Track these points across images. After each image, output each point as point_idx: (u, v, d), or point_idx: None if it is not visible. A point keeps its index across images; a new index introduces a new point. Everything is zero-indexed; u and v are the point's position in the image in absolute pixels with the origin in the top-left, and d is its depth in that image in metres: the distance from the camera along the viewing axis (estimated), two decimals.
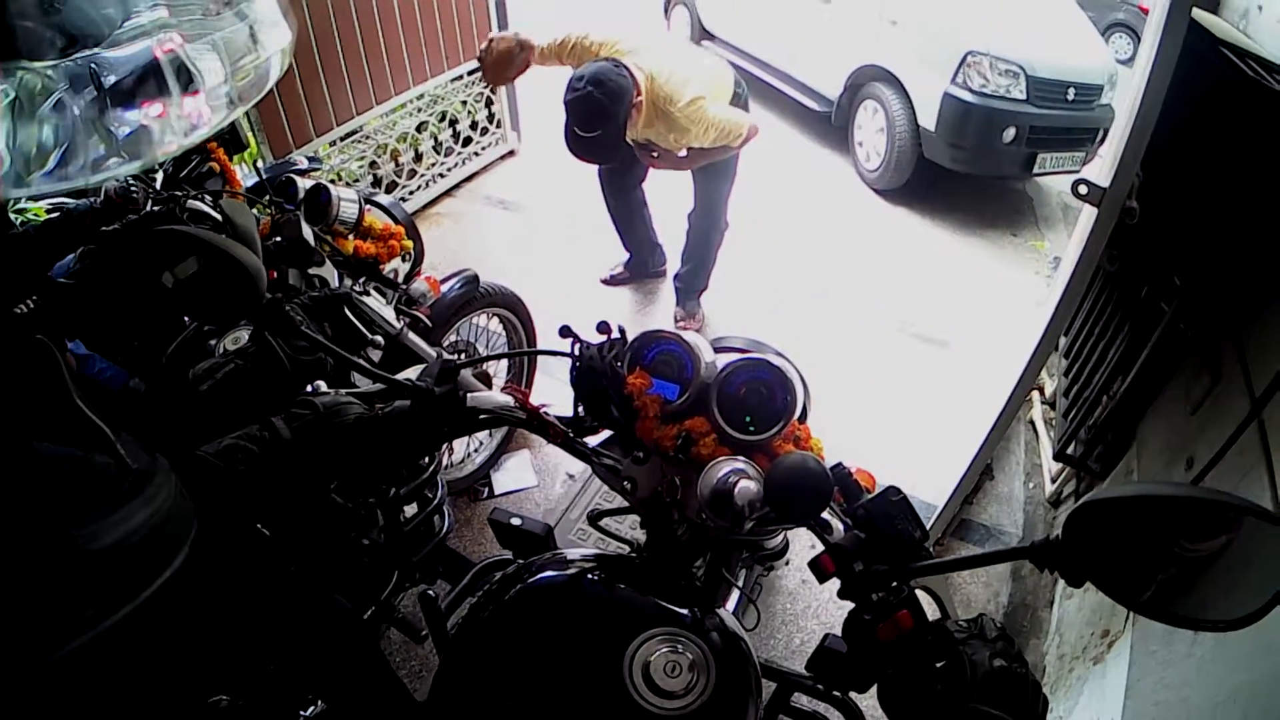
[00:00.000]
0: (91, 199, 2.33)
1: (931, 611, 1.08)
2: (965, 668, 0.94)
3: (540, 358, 3.47)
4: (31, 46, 0.80)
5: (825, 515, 1.18)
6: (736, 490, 1.20)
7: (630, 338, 1.46)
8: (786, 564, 2.96)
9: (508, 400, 1.39)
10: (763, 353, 1.50)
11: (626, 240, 4.77)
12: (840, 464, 1.18)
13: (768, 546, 1.73)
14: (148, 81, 0.92)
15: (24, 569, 0.78)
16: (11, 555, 0.77)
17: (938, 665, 0.99)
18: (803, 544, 3.09)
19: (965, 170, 5.91)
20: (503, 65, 3.72)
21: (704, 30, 8.32)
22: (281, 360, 1.59)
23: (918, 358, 4.47)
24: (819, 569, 1.13)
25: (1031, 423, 3.88)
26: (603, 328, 1.44)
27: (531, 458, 3.56)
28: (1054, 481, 3.41)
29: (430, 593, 1.42)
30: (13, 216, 2.30)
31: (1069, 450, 3.19)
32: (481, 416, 1.38)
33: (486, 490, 3.44)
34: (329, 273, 2.32)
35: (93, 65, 0.85)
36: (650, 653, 1.15)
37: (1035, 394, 3.98)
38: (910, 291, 5.01)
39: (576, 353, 1.41)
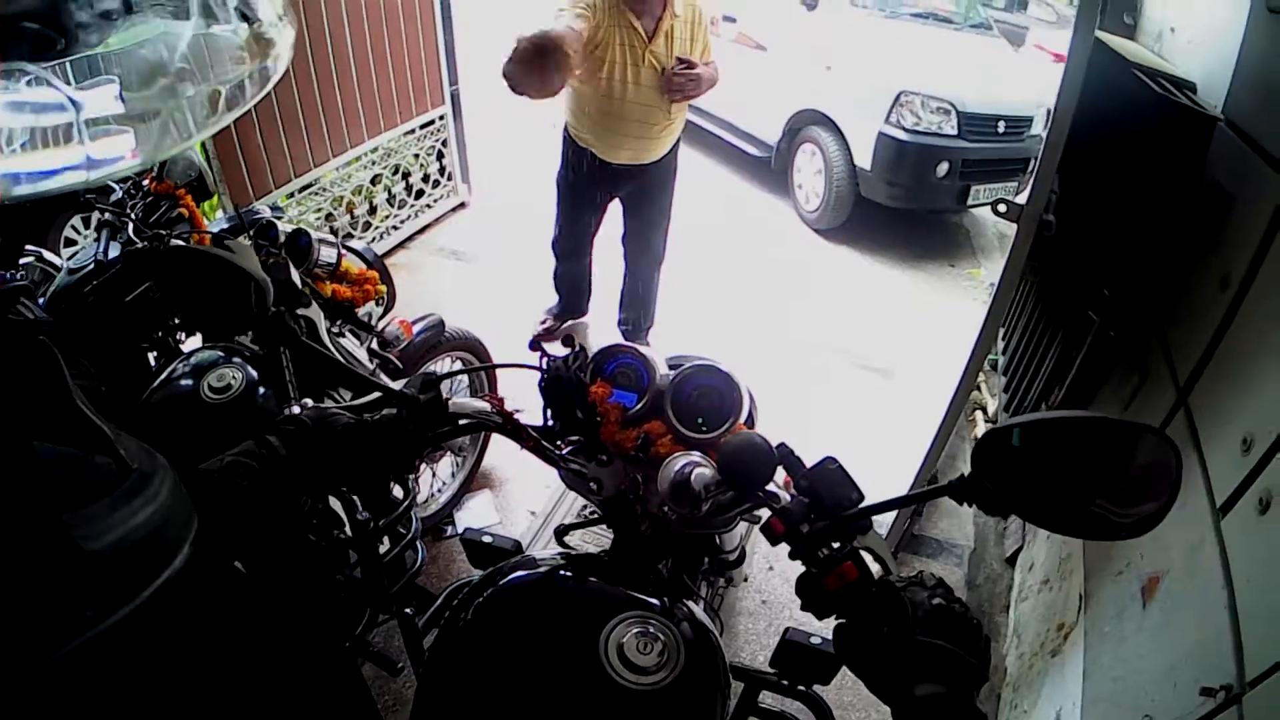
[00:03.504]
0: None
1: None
2: (907, 608, 1.03)
3: (503, 379, 3.44)
4: (31, 47, 0.82)
5: (774, 490, 1.28)
6: (693, 476, 1.34)
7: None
8: (745, 580, 3.06)
9: (485, 406, 1.47)
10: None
11: (561, 287, 4.74)
12: (783, 443, 1.30)
13: (726, 549, 1.86)
14: (149, 80, 0.93)
15: (23, 568, 0.76)
16: (10, 555, 0.76)
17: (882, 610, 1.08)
18: (759, 566, 3.22)
19: (902, 206, 6.10)
20: (539, 71, 2.96)
21: None
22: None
23: (862, 386, 4.61)
24: (769, 531, 1.21)
25: (976, 439, 4.02)
26: (567, 342, 1.56)
27: (493, 497, 3.62)
28: None
29: (407, 611, 1.51)
30: None
31: None
32: (462, 421, 1.46)
33: (450, 529, 3.48)
34: (315, 313, 2.38)
35: (93, 65, 0.87)
36: (623, 634, 1.24)
37: (979, 414, 4.14)
38: (853, 324, 5.16)
39: (544, 365, 1.52)
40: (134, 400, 1.99)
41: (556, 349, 1.55)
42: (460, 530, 3.43)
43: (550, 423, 1.55)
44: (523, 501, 3.60)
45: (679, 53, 3.51)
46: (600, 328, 4.83)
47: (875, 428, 4.16)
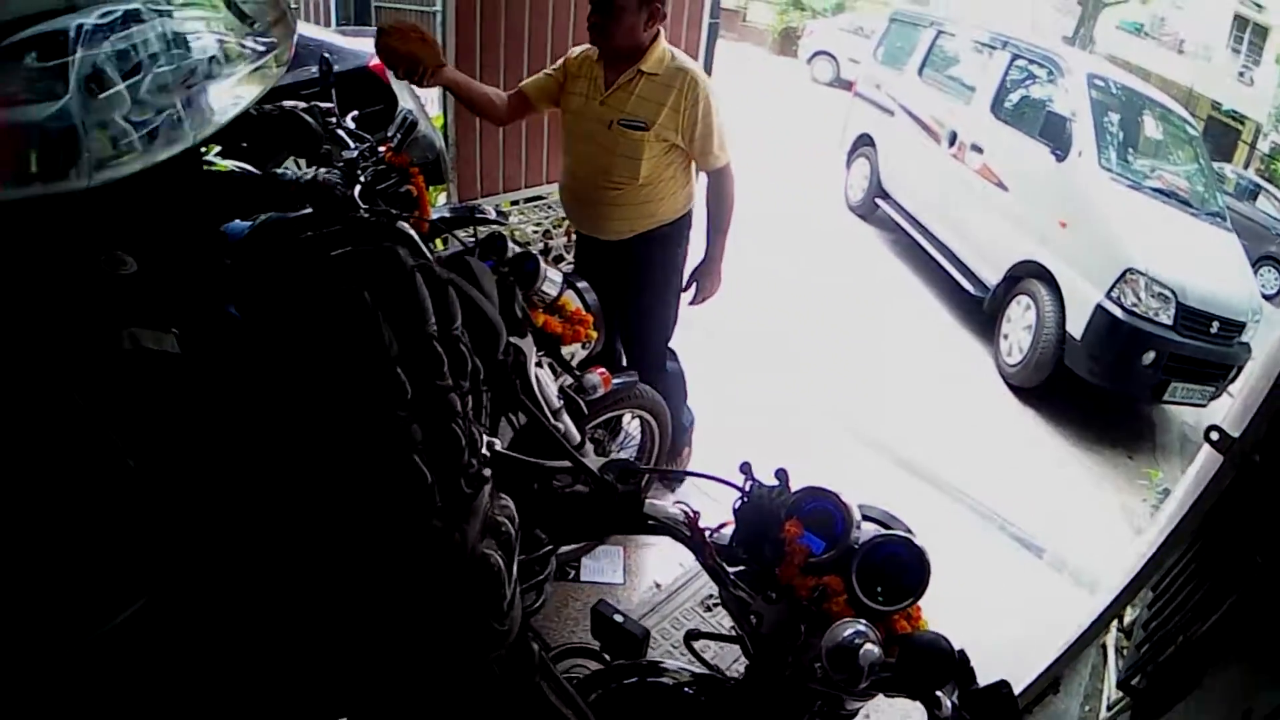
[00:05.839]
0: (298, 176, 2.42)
1: None
2: None
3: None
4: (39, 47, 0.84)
5: (939, 695, 1.28)
6: (861, 651, 1.30)
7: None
8: None
9: (678, 514, 1.49)
10: (895, 527, 1.60)
11: None
12: (963, 650, 1.31)
13: (848, 707, 1.87)
14: (156, 76, 0.94)
15: (85, 547, 0.82)
16: (75, 534, 0.82)
17: None
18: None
19: (1098, 384, 5.90)
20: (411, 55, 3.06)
21: (880, 188, 8.51)
22: None
23: (1011, 557, 4.47)
24: None
25: (1103, 647, 3.87)
26: (780, 474, 1.55)
27: (624, 555, 3.58)
28: (1110, 709, 3.39)
29: None
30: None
31: (1134, 681, 3.19)
32: (650, 523, 1.47)
33: (574, 573, 3.46)
34: (528, 345, 2.33)
35: (98, 62, 0.89)
36: None
37: (1114, 621, 3.97)
38: (1018, 491, 4.98)
39: (748, 489, 1.52)
40: None
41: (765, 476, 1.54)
42: (584, 577, 3.46)
43: (735, 545, 1.54)
44: (652, 570, 3.57)
45: (635, 111, 3.18)
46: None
47: (1011, 602, 4.03)
